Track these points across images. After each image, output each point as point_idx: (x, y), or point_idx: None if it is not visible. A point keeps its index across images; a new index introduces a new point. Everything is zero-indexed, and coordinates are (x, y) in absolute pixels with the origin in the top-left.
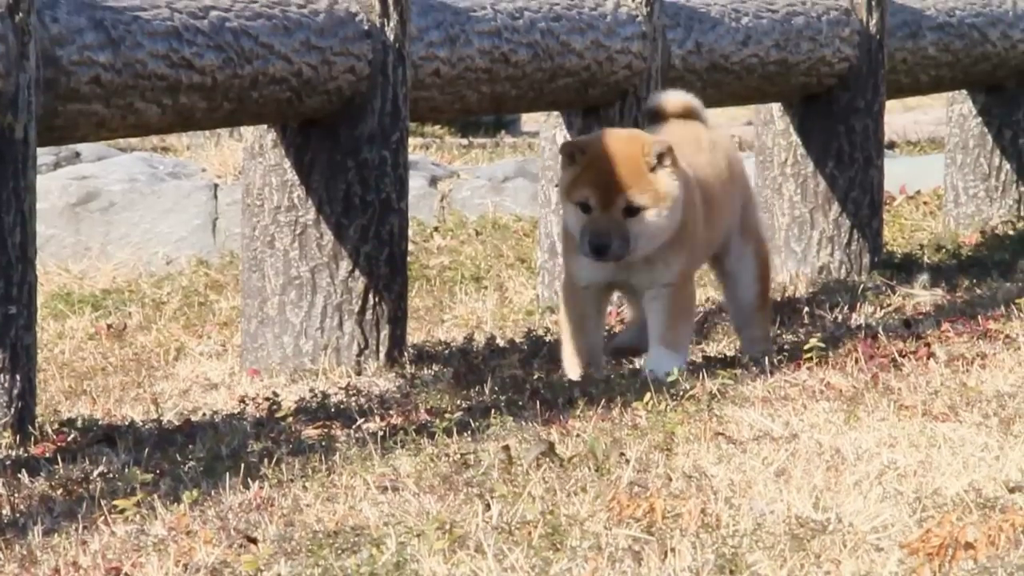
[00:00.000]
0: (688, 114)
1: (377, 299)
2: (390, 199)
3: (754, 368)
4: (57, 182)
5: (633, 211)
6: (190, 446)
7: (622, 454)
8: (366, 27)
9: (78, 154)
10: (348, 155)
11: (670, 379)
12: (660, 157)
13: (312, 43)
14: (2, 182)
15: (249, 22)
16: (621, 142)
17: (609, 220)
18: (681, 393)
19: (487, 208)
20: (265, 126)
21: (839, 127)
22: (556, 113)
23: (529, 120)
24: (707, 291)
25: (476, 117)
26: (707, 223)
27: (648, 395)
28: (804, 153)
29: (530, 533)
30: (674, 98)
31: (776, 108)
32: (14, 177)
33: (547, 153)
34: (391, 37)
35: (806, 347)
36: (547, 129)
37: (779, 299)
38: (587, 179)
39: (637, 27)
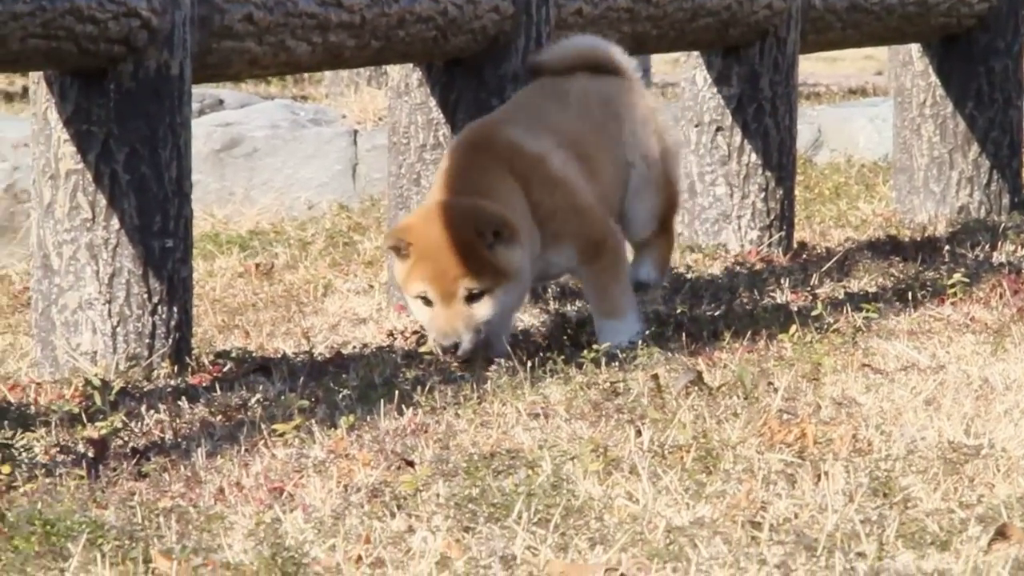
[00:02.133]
0: (572, 66)
1: None
2: None
3: (897, 303)
4: (201, 129)
5: (476, 297)
6: (343, 376)
7: (770, 383)
8: None
9: (221, 101)
10: (493, 94)
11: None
12: (496, 235)
13: None
14: (159, 118)
15: None
16: (450, 224)
17: (453, 315)
18: (826, 326)
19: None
20: (411, 65)
21: (978, 68)
22: (696, 54)
23: (659, 71)
24: (845, 231)
25: None
26: (593, 176)
27: (793, 327)
28: (943, 94)
29: (682, 457)
30: (552, 55)
31: (915, 49)
32: (170, 113)
33: (687, 94)
34: None
35: (949, 282)
36: (687, 70)
37: (919, 239)
38: (422, 270)
39: None
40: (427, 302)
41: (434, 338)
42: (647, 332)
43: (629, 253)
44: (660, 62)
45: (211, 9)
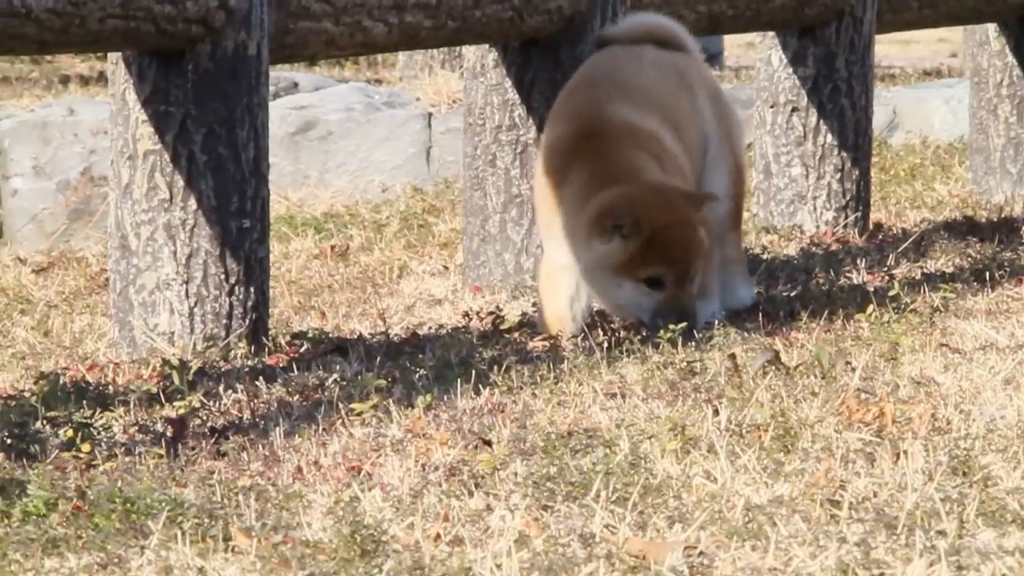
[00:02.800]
0: (639, 40)
1: None
2: None
3: (974, 283)
4: (276, 112)
5: (694, 278)
6: (419, 356)
7: (848, 363)
8: None
9: (296, 84)
10: (569, 74)
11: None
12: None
13: None
14: (236, 98)
15: None
16: (674, 207)
17: (688, 296)
18: (903, 307)
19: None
20: (487, 45)
21: None
22: (771, 34)
23: (732, 55)
24: (922, 212)
25: None
26: (686, 149)
27: (871, 307)
28: (1020, 74)
29: (760, 436)
30: (621, 30)
31: (992, 29)
32: (248, 93)
33: (762, 74)
34: None
35: None
36: (763, 50)
37: (995, 219)
38: (658, 254)
39: None
40: (654, 284)
41: (670, 322)
42: (723, 314)
43: None
44: (732, 45)
45: None
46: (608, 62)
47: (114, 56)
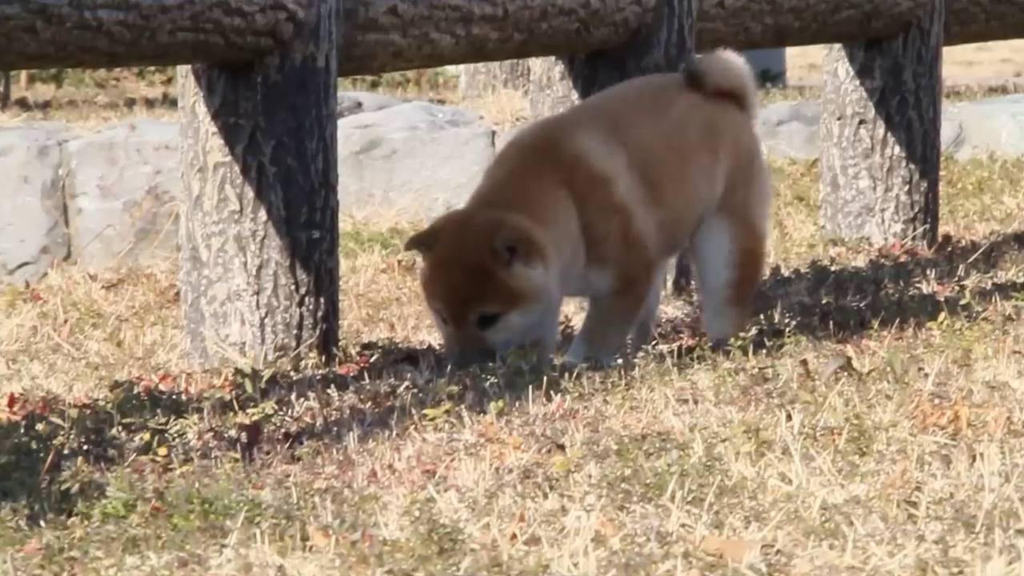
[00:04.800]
0: (719, 91)
1: None
2: None
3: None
4: (341, 131)
5: (489, 320)
6: (489, 365)
7: (920, 368)
8: None
9: (360, 104)
10: None
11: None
12: (512, 251)
13: None
14: (305, 110)
15: None
16: (466, 239)
17: (465, 337)
18: (975, 315)
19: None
20: (553, 58)
21: None
22: (838, 46)
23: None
24: (990, 225)
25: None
26: (659, 203)
27: (942, 316)
28: None
29: (835, 439)
30: (713, 71)
31: None
32: (316, 105)
33: (829, 87)
34: None
35: None
36: (829, 62)
37: None
38: (435, 289)
39: None
40: (443, 320)
41: (450, 356)
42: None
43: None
44: (795, 66)
45: (356, 2)
46: (628, 95)
47: (183, 69)
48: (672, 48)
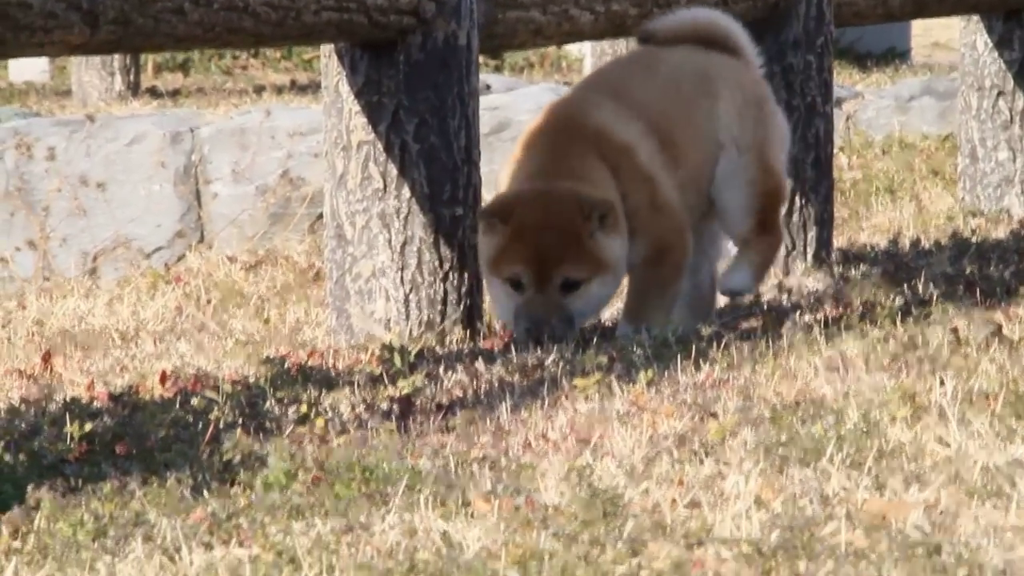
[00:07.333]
0: (682, 38)
1: (804, 201)
2: (815, 103)
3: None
4: None
5: (572, 286)
6: (637, 335)
7: None
8: None
9: (488, 86)
10: (774, 60)
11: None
12: (602, 220)
13: None
14: (447, 88)
15: None
16: (552, 208)
17: (547, 301)
18: None
19: (891, 128)
20: None
21: None
22: (976, 18)
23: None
24: None
25: (867, 49)
26: (677, 163)
27: None
28: None
29: (990, 403)
30: (663, 25)
31: None
32: (458, 83)
33: (967, 59)
34: None
35: None
36: (967, 34)
37: None
38: (516, 254)
39: None
40: (517, 286)
41: (524, 325)
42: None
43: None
44: (919, 45)
45: None
46: (625, 65)
47: (327, 49)
48: (811, 21)
